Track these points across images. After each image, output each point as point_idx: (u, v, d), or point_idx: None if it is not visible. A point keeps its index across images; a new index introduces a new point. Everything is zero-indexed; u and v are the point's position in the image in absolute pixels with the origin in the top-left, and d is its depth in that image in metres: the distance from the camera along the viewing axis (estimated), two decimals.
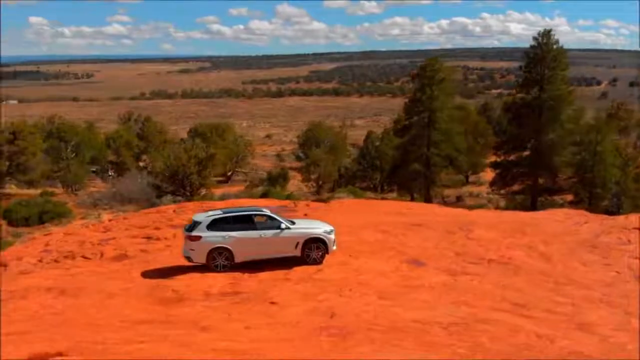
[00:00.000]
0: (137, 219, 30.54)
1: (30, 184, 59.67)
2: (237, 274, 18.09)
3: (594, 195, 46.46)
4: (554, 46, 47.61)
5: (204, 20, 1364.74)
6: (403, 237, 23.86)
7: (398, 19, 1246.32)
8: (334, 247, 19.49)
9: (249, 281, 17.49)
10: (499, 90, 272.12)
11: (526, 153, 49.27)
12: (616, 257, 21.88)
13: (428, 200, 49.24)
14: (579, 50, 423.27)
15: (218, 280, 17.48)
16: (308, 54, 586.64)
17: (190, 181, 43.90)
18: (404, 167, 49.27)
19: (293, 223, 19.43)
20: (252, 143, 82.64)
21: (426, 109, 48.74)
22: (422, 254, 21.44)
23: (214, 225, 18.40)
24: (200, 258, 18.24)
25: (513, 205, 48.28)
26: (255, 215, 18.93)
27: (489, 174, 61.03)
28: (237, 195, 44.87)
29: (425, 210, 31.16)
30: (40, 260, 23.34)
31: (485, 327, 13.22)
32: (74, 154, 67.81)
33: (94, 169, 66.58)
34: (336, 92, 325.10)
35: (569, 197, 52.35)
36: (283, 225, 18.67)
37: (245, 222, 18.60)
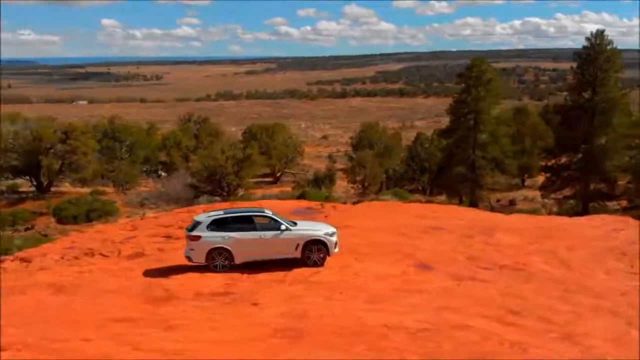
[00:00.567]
0: (165, 218, 31.32)
1: (84, 182, 61.92)
2: (235, 275, 18.40)
3: None
4: (608, 47, 46.07)
5: (271, 22, 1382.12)
6: (418, 241, 23.69)
7: (469, 19, 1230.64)
8: (336, 250, 19.53)
9: (245, 282, 17.76)
10: None
11: (577, 157, 47.89)
12: None
13: (474, 203, 48.48)
14: None
15: (215, 281, 17.83)
16: (375, 55, 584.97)
17: (227, 182, 44.72)
18: (448, 169, 48.70)
19: (295, 224, 19.60)
20: (302, 144, 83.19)
21: (472, 111, 48.03)
22: (433, 258, 21.25)
23: (214, 225, 18.75)
24: (200, 258, 18.61)
25: (564, 210, 47.06)
26: (256, 216, 19.19)
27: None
28: (277, 196, 45.39)
29: (451, 214, 30.73)
30: (62, 257, 24.26)
31: (458, 333, 13.06)
32: (127, 154, 69.96)
33: (145, 169, 68.47)
34: (401, 93, 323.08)
35: (625, 203, 50.62)
36: (283, 227, 18.84)
37: (245, 222, 18.87)
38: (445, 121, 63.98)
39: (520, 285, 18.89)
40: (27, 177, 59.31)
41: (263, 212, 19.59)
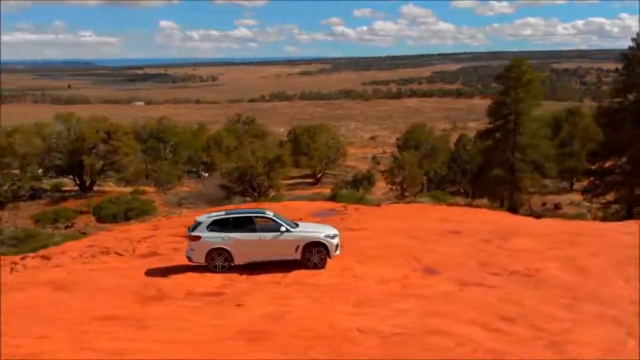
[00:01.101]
0: (190, 218, 31.82)
1: (127, 182, 63.49)
2: (234, 275, 18.59)
3: None
4: None
5: (327, 22, 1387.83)
6: (431, 244, 23.46)
7: (530, 19, 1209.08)
8: (337, 252, 19.52)
9: (242, 283, 17.93)
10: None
11: (622, 160, 46.41)
12: None
13: (513, 207, 47.57)
14: None
15: (213, 281, 18.04)
16: (432, 55, 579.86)
17: (258, 182, 45.10)
18: (487, 172, 47.94)
19: (296, 226, 19.69)
20: (345, 145, 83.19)
21: (511, 112, 47.18)
22: (441, 262, 21.01)
23: (214, 226, 18.98)
24: (200, 258, 18.86)
25: (609, 215, 45.75)
26: (256, 217, 19.34)
27: None
28: (309, 197, 45.55)
29: (476, 217, 30.29)
30: (80, 255, 24.96)
31: (432, 339, 12.90)
32: (172, 154, 71.35)
33: (187, 169, 69.69)
34: (458, 93, 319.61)
35: None
36: (283, 228, 18.94)
37: (245, 223, 19.04)
38: None
39: (526, 291, 18.48)
40: (71, 177, 61.15)
41: (264, 213, 19.73)
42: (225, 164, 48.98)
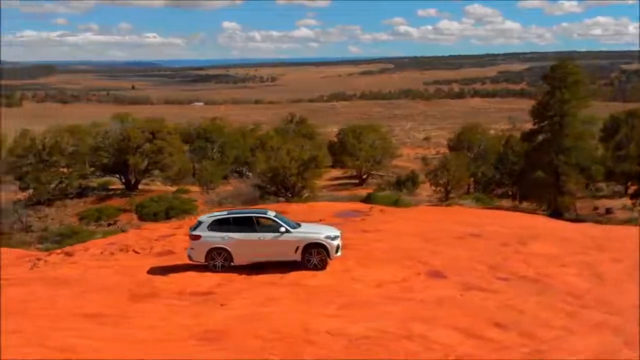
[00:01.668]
0: None
1: (174, 181, 64.87)
2: (233, 275, 18.85)
3: None
4: None
5: (391, 22, 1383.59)
6: (445, 247, 23.22)
7: (600, 19, 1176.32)
8: (338, 254, 19.54)
9: (237, 283, 18.17)
10: None
11: None
12: None
13: (557, 211, 46.44)
14: None
15: (211, 280, 18.34)
16: (497, 54, 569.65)
17: (290, 182, 45.38)
18: (529, 174, 46.93)
19: (298, 226, 19.81)
20: (392, 146, 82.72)
21: (556, 114, 46.06)
22: (450, 266, 20.81)
23: (215, 225, 19.26)
24: (200, 257, 19.18)
25: None
26: (257, 217, 19.53)
27: None
28: (347, 198, 45.54)
29: (503, 221, 29.70)
30: (101, 252, 25.73)
31: (403, 343, 12.83)
32: (219, 154, 72.50)
33: (232, 169, 70.56)
34: (522, 94, 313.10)
35: None
36: (282, 229, 19.07)
37: (245, 224, 19.25)
38: None
39: (530, 297, 18.17)
40: (117, 175, 62.91)
41: (265, 213, 19.92)
42: (261, 164, 49.45)
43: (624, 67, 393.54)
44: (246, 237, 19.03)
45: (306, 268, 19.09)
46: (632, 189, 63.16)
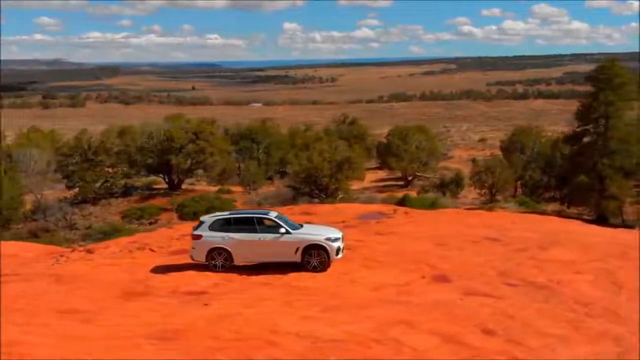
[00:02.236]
0: None
1: (218, 181, 65.89)
2: (232, 275, 19.07)
3: None
4: None
5: (454, 22, 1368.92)
6: (457, 251, 22.94)
7: None
8: (339, 255, 19.54)
9: (233, 283, 18.38)
10: None
11: None
12: None
13: (602, 216, 45.06)
14: None
15: (208, 280, 18.62)
16: (564, 55, 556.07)
17: (323, 183, 45.43)
18: (573, 178, 45.67)
19: (300, 227, 19.90)
20: (439, 147, 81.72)
21: (601, 116, 44.71)
22: (457, 271, 20.56)
23: (216, 226, 19.52)
24: (200, 257, 19.48)
25: None
26: (258, 218, 19.69)
27: None
28: (385, 200, 45.33)
29: (531, 225, 28.99)
30: (120, 250, 26.41)
31: (369, 346, 12.79)
32: (264, 155, 73.25)
33: (275, 169, 71.15)
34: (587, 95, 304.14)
35: None
36: (282, 230, 19.19)
37: (246, 224, 19.44)
38: None
39: (532, 304, 17.81)
40: (161, 175, 64.30)
41: (266, 214, 20.08)
42: (294, 165, 49.76)
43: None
44: (246, 238, 19.22)
45: (306, 269, 19.18)
46: None
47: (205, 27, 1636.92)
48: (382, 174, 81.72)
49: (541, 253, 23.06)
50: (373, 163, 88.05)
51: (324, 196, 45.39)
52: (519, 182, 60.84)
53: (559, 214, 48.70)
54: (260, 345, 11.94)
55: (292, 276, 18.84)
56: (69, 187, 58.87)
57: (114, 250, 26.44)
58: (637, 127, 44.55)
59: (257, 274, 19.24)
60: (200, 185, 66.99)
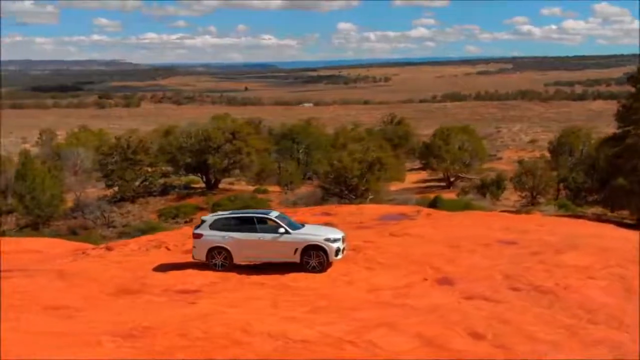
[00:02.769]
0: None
1: (257, 181, 66.54)
2: (231, 274, 19.21)
3: None
4: None
5: (512, 21, 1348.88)
6: (467, 254, 22.58)
7: None
8: (338, 257, 19.48)
9: (230, 282, 18.52)
10: None
11: None
12: None
13: None
14: None
15: (205, 279, 18.80)
16: (625, 55, 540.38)
17: (352, 184, 45.30)
18: (611, 181, 44.43)
19: (301, 227, 19.95)
20: (483, 148, 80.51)
21: None
22: (462, 274, 20.28)
23: (217, 225, 19.72)
24: (201, 256, 19.69)
25: None
26: (258, 218, 19.81)
27: None
28: (417, 202, 44.96)
29: (556, 229, 28.23)
30: (138, 248, 26.90)
31: (340, 347, 12.75)
32: (305, 155, 73.61)
33: (313, 170, 71.37)
34: None
35: None
36: (281, 230, 19.26)
37: (245, 224, 19.56)
38: None
39: (532, 309, 17.49)
40: (199, 175, 65.28)
41: (267, 214, 20.19)
42: (325, 165, 49.81)
43: None
44: (246, 237, 19.34)
45: (306, 270, 19.21)
46: None
47: (260, 28, 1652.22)
48: (425, 175, 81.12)
49: (555, 257, 22.51)
50: (417, 164, 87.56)
51: (354, 197, 45.35)
52: (561, 185, 59.53)
53: (599, 217, 47.46)
54: (225, 345, 12.03)
55: (290, 276, 18.88)
56: (108, 186, 60.31)
57: (132, 248, 26.90)
58: None
59: (256, 273, 19.36)
60: (239, 185, 67.71)
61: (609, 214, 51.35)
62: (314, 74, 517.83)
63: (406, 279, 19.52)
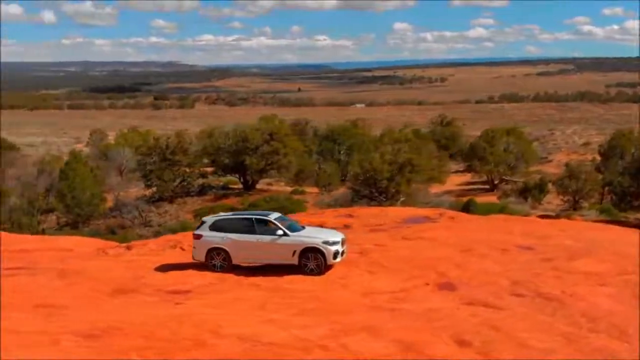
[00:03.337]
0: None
1: (296, 182, 66.75)
2: (228, 275, 19.37)
3: None
4: None
5: (573, 21, 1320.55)
6: (477, 259, 22.23)
7: None
8: (337, 259, 19.42)
9: (225, 283, 18.67)
10: None
11: None
12: None
13: None
14: None
15: (202, 279, 19.02)
16: None
17: (382, 186, 44.86)
18: None
19: (302, 229, 19.94)
20: (531, 150, 78.73)
21: None
22: (468, 279, 20.00)
23: (217, 225, 19.90)
24: (200, 256, 19.92)
25: None
26: (257, 219, 19.87)
27: None
28: (450, 205, 44.34)
29: (581, 235, 27.44)
30: (156, 248, 27.32)
31: (309, 351, 12.70)
32: (346, 156, 73.51)
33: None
34: None
35: None
36: (280, 232, 19.27)
37: (245, 225, 19.70)
38: None
39: (532, 316, 17.14)
40: (236, 175, 65.89)
41: (266, 215, 20.23)
42: (355, 166, 49.54)
43: None
44: (244, 239, 19.46)
45: (304, 272, 19.20)
46: None
47: (315, 28, 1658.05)
48: (470, 177, 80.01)
49: (568, 263, 21.98)
50: (463, 166, 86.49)
51: (384, 199, 44.99)
52: (607, 189, 57.82)
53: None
54: (188, 346, 12.10)
55: (286, 279, 18.92)
56: (147, 186, 61.39)
57: (151, 247, 27.29)
58: None
59: (254, 275, 19.44)
60: (278, 186, 68.05)
61: None
62: (369, 74, 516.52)
63: (407, 283, 19.32)
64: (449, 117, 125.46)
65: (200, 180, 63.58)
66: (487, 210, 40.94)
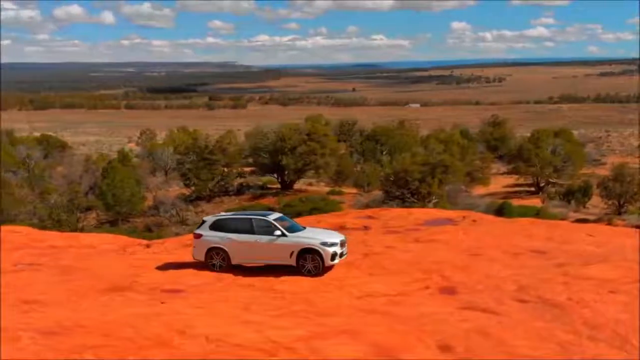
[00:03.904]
0: (313, 219, 32.90)
1: (335, 182, 66.70)
2: (225, 275, 19.38)
3: None
4: None
5: (635, 21, 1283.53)
6: (486, 263, 21.71)
7: None
8: (335, 261, 19.25)
9: (221, 283, 18.68)
10: None
11: None
12: None
13: None
14: None
15: (199, 278, 19.07)
16: None
17: (413, 187, 44.21)
18: None
19: (302, 230, 19.84)
20: (578, 152, 76.66)
21: None
22: (471, 283, 19.55)
23: (216, 225, 19.97)
24: (200, 256, 20.01)
25: None
26: (257, 219, 19.84)
27: None
28: (485, 208, 43.51)
29: (603, 240, 26.50)
30: (172, 246, 27.70)
31: (273, 354, 12.58)
32: (388, 156, 73.04)
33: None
34: None
35: None
36: (278, 232, 19.21)
37: (244, 225, 19.69)
38: None
39: (531, 323, 16.63)
40: (274, 175, 66.16)
41: (265, 216, 20.18)
42: (386, 167, 48.98)
43: None
44: (243, 239, 19.45)
45: (301, 273, 19.10)
46: None
47: (371, 28, 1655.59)
48: (516, 179, 78.47)
49: (580, 269, 21.24)
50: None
51: (415, 200, 44.41)
52: None
53: None
54: (146, 346, 12.13)
55: (282, 279, 18.81)
56: (186, 185, 62.22)
57: (167, 246, 27.69)
58: None
59: (251, 275, 19.40)
60: (317, 186, 68.09)
61: None
62: (425, 74, 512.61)
63: (406, 286, 19.00)
64: (501, 117, 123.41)
65: (239, 180, 64.03)
66: (522, 213, 40.09)
